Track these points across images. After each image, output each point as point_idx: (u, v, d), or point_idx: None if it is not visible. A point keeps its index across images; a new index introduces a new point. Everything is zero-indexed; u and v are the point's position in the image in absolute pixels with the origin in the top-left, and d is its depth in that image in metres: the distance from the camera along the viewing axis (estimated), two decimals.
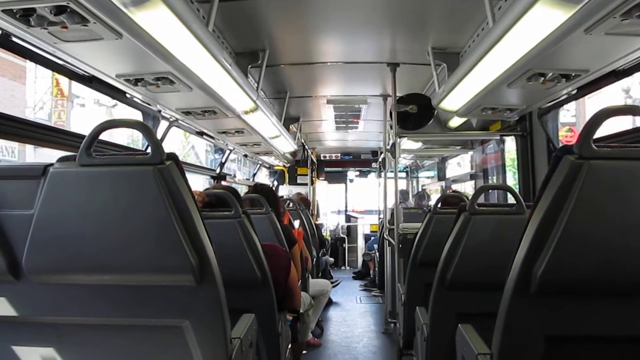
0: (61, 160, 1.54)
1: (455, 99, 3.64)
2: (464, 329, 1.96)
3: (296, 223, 5.45)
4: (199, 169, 6.38)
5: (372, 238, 10.00)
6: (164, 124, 4.18)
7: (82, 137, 1.49)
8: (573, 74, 2.74)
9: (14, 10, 1.80)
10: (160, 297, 1.57)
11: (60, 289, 1.58)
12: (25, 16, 1.84)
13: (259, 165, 8.68)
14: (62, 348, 1.64)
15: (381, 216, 8.06)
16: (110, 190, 1.47)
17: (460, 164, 8.88)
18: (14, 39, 2.23)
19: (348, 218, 12.05)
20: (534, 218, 1.45)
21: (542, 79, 2.78)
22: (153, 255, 1.49)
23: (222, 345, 1.58)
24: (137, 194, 1.46)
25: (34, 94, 13.36)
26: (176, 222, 1.45)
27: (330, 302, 7.17)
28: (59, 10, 1.80)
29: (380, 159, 7.91)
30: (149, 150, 1.49)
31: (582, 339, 1.51)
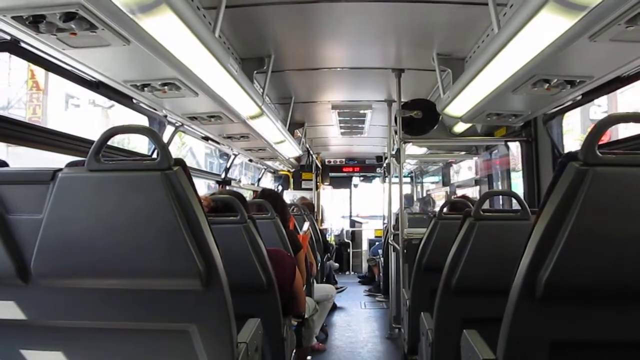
0: (70, 165, 1.56)
1: (460, 105, 3.64)
2: (469, 335, 1.96)
3: (305, 225, 5.46)
4: (203, 173, 6.39)
5: (377, 243, 9.99)
6: (169, 129, 4.20)
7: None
8: (578, 80, 2.74)
9: (24, 17, 1.82)
10: (167, 301, 1.58)
11: (69, 293, 1.60)
12: (35, 23, 1.86)
13: (263, 170, 8.69)
14: (70, 352, 1.65)
15: (386, 221, 8.05)
16: (119, 196, 1.49)
17: (466, 169, 8.88)
18: (22, 44, 2.25)
19: (352, 223, 12.05)
20: (539, 224, 1.45)
21: (547, 85, 2.79)
22: (160, 260, 1.50)
23: (228, 350, 1.59)
24: (145, 199, 1.47)
25: (8, 86, 12.56)
26: (183, 227, 1.46)
27: (334, 307, 7.17)
28: (68, 16, 1.81)
29: (384, 164, 7.91)
30: (155, 155, 1.50)
31: (588, 344, 1.51)
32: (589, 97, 3.19)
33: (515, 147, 5.25)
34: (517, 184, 5.19)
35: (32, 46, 2.23)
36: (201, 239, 1.51)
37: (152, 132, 1.58)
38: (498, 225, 2.51)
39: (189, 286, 1.54)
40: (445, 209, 3.52)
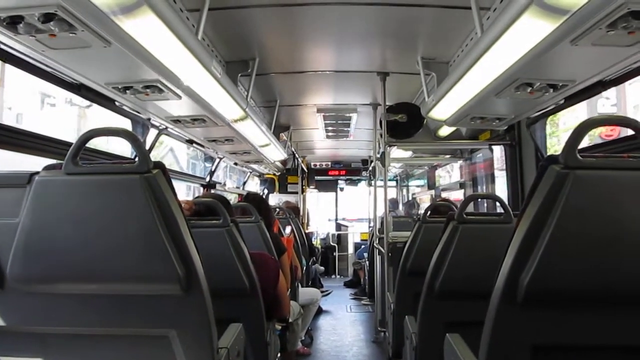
0: (47, 168, 1.54)
1: (445, 109, 3.65)
2: (451, 338, 1.96)
3: (287, 229, 5.44)
4: (187, 177, 6.35)
5: (362, 246, 9.99)
6: (153, 132, 4.16)
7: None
8: (560, 84, 2.76)
9: (2, 18, 1.79)
10: (146, 306, 1.56)
11: (46, 298, 1.57)
12: (13, 24, 1.83)
13: (249, 174, 8.66)
14: (48, 358, 1.62)
15: (371, 225, 8.06)
16: (97, 199, 1.47)
17: (451, 172, 8.91)
18: (1, 46, 2.22)
19: (338, 227, 12.04)
20: (520, 227, 1.45)
21: (530, 89, 2.80)
22: (139, 264, 1.48)
23: (209, 355, 1.58)
24: (124, 203, 1.45)
25: None
26: (162, 231, 1.45)
27: (320, 311, 7.16)
28: (47, 17, 1.79)
29: (370, 168, 7.93)
30: (136, 158, 1.49)
31: (569, 348, 1.51)
32: (571, 101, 3.22)
33: (499, 151, 5.29)
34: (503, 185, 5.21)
35: (10, 47, 2.20)
36: (181, 243, 1.49)
37: (131, 135, 1.56)
38: (481, 228, 2.51)
39: (168, 291, 1.53)
40: (429, 213, 3.52)
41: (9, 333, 1.61)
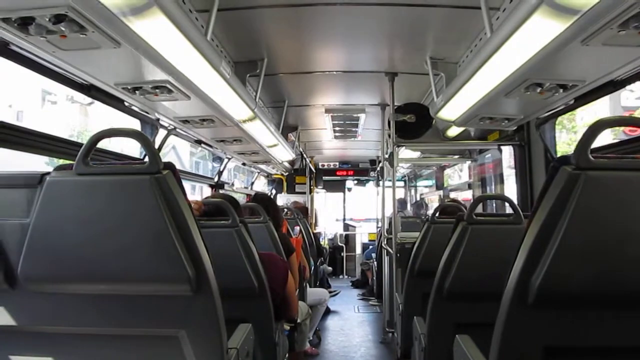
0: (58, 169, 1.55)
1: (453, 109, 3.64)
2: (461, 340, 1.95)
3: (295, 229, 5.45)
4: (195, 177, 6.36)
5: (370, 247, 9.98)
6: (162, 133, 4.17)
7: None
8: (570, 84, 2.74)
9: (12, 19, 1.80)
10: (156, 307, 1.56)
11: (56, 298, 1.58)
12: (24, 25, 1.84)
13: (257, 174, 8.67)
14: (58, 358, 1.63)
15: (379, 225, 8.05)
16: (107, 200, 1.47)
17: (458, 173, 8.89)
18: (12, 47, 2.23)
19: (346, 227, 12.03)
20: (531, 228, 1.44)
21: (540, 89, 2.78)
22: (149, 265, 1.48)
23: (218, 356, 1.58)
24: (134, 203, 1.46)
25: None
26: (173, 232, 1.45)
27: (328, 311, 7.15)
28: (58, 19, 1.79)
29: (378, 168, 7.91)
30: (146, 159, 1.49)
31: (580, 350, 1.50)
32: (581, 101, 3.19)
33: (508, 151, 5.26)
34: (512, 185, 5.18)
35: (22, 48, 2.21)
36: (191, 244, 1.50)
37: (141, 136, 1.57)
38: (491, 229, 2.51)
39: (178, 291, 1.53)
40: (438, 213, 3.52)
41: (20, 333, 1.62)
